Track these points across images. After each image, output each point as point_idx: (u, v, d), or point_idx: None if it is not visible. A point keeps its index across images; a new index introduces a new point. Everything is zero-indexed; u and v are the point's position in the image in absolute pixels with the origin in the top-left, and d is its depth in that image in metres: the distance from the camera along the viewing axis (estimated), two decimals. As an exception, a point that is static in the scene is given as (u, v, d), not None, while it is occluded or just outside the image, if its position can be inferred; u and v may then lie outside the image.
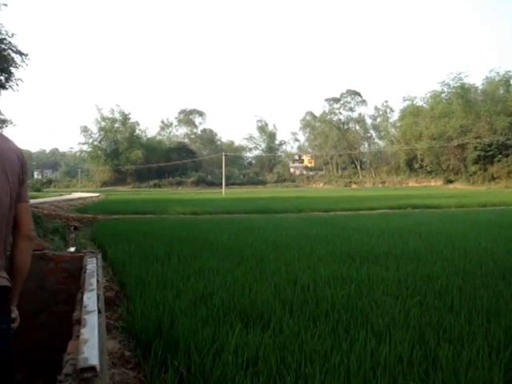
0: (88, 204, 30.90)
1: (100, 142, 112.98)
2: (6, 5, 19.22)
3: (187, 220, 17.22)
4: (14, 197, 2.11)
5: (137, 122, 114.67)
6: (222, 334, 3.95)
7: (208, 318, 4.39)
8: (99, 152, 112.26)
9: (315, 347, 3.68)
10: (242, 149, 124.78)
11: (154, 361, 3.66)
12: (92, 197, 43.66)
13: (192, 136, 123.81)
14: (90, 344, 1.47)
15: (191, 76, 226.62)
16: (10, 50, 20.53)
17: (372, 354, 3.61)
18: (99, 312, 1.87)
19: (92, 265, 2.94)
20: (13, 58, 20.65)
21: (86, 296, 2.14)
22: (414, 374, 3.32)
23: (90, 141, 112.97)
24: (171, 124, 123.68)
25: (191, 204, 27.08)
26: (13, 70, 20.66)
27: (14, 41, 20.17)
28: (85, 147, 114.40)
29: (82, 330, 1.65)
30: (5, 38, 20.26)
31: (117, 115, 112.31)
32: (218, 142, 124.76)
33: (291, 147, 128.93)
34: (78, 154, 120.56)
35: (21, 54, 20.85)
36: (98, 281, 2.41)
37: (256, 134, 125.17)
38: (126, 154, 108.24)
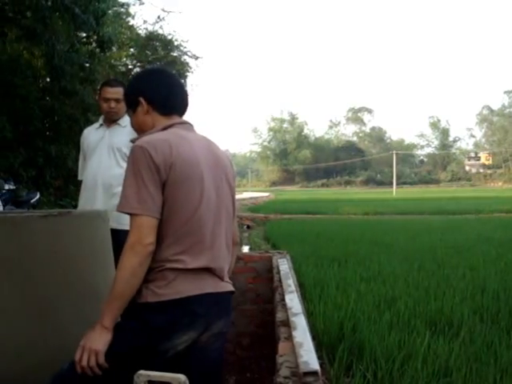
0: (259, 203, 31.79)
1: (269, 143, 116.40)
2: (180, 12, 20.65)
3: (359, 220, 17.04)
4: (235, 203, 2.20)
5: (305, 122, 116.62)
6: (409, 340, 3.82)
7: (392, 324, 4.27)
8: (268, 152, 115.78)
9: (512, 360, 3.42)
10: (413, 146, 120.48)
11: (339, 365, 3.61)
12: (262, 196, 44.85)
13: (360, 134, 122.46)
14: (307, 347, 1.48)
15: (359, 73, 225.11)
16: (185, 56, 21.85)
17: None
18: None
19: (284, 266, 2.99)
20: (188, 63, 21.91)
21: (287, 298, 2.17)
22: None
23: (260, 141, 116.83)
24: (339, 123, 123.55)
25: (361, 204, 26.82)
26: (188, 74, 21.91)
27: (187, 45, 21.38)
28: (254, 148, 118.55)
29: (294, 333, 1.67)
30: (180, 44, 21.59)
31: (285, 115, 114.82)
32: (388, 140, 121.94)
33: (466, 144, 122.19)
34: (247, 154, 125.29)
35: (196, 57, 22.04)
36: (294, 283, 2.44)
37: (428, 130, 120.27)
38: (294, 153, 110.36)
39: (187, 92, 2.25)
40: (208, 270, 1.98)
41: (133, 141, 2.12)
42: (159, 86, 2.13)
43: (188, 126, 2.15)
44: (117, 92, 3.96)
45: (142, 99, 2.11)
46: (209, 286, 1.97)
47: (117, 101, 3.95)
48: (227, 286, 2.08)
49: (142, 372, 1.64)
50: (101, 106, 4.07)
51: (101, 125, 4.10)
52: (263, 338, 3.42)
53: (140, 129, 2.15)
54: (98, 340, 1.82)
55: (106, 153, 3.93)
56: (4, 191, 9.41)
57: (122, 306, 1.86)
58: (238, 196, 40.77)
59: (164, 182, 1.89)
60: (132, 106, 2.16)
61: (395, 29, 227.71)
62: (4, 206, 8.90)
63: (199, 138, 2.14)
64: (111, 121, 4.03)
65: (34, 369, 2.19)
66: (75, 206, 13.84)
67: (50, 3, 11.66)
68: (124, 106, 3.99)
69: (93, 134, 4.11)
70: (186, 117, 2.26)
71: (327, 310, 4.59)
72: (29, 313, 2.23)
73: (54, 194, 15.41)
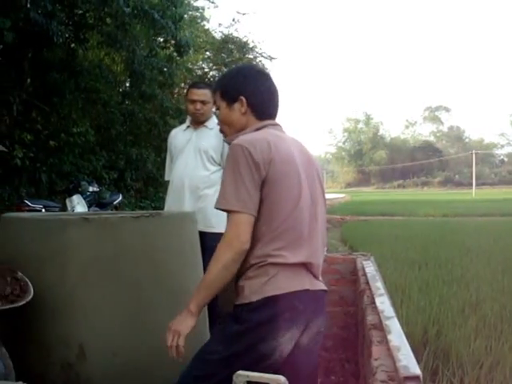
0: (334, 205, 31.58)
1: (344, 143, 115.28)
2: (254, 12, 20.76)
3: (438, 222, 16.63)
4: (325, 202, 2.21)
5: (380, 122, 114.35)
6: (497, 346, 3.70)
7: (478, 329, 4.15)
8: (343, 153, 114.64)
9: None
10: (493, 146, 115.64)
11: (424, 369, 3.54)
12: (338, 198, 44.50)
13: (438, 134, 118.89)
14: (404, 352, 1.47)
15: (436, 71, 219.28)
16: (261, 57, 21.99)
17: None
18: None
19: (370, 268, 2.96)
20: (263, 65, 22.02)
21: (378, 300, 2.16)
22: None
23: (335, 142, 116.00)
24: (415, 122, 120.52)
25: (439, 205, 26.14)
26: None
27: (262, 46, 21.44)
28: (329, 149, 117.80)
29: (389, 337, 1.66)
30: (255, 46, 21.74)
31: (360, 116, 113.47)
32: (466, 140, 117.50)
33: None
34: (322, 155, 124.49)
35: (271, 58, 22.14)
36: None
37: (509, 129, 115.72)
38: (369, 154, 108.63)
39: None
40: (305, 267, 1.99)
41: (227, 141, 2.15)
42: (264, 92, 2.15)
43: (279, 127, 2.17)
44: (203, 94, 3.99)
45: (243, 98, 2.10)
46: (307, 282, 1.98)
47: (203, 102, 3.98)
48: (321, 285, 2.09)
49: (240, 372, 1.65)
50: (187, 108, 4.12)
51: (188, 126, 4.15)
52: (346, 341, 3.40)
53: (230, 125, 2.15)
54: (183, 323, 1.90)
55: (192, 155, 3.98)
56: (88, 193, 9.73)
57: (209, 296, 1.92)
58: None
59: (264, 179, 1.91)
60: (229, 100, 2.14)
61: (472, 25, 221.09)
62: (89, 207, 9.23)
63: (290, 138, 2.16)
64: (198, 122, 4.07)
65: (129, 367, 2.26)
66: (155, 208, 14.23)
67: (129, 9, 12.00)
68: (210, 108, 4.04)
69: (180, 136, 4.16)
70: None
71: (410, 314, 4.52)
72: (123, 312, 2.31)
73: (134, 196, 15.84)
